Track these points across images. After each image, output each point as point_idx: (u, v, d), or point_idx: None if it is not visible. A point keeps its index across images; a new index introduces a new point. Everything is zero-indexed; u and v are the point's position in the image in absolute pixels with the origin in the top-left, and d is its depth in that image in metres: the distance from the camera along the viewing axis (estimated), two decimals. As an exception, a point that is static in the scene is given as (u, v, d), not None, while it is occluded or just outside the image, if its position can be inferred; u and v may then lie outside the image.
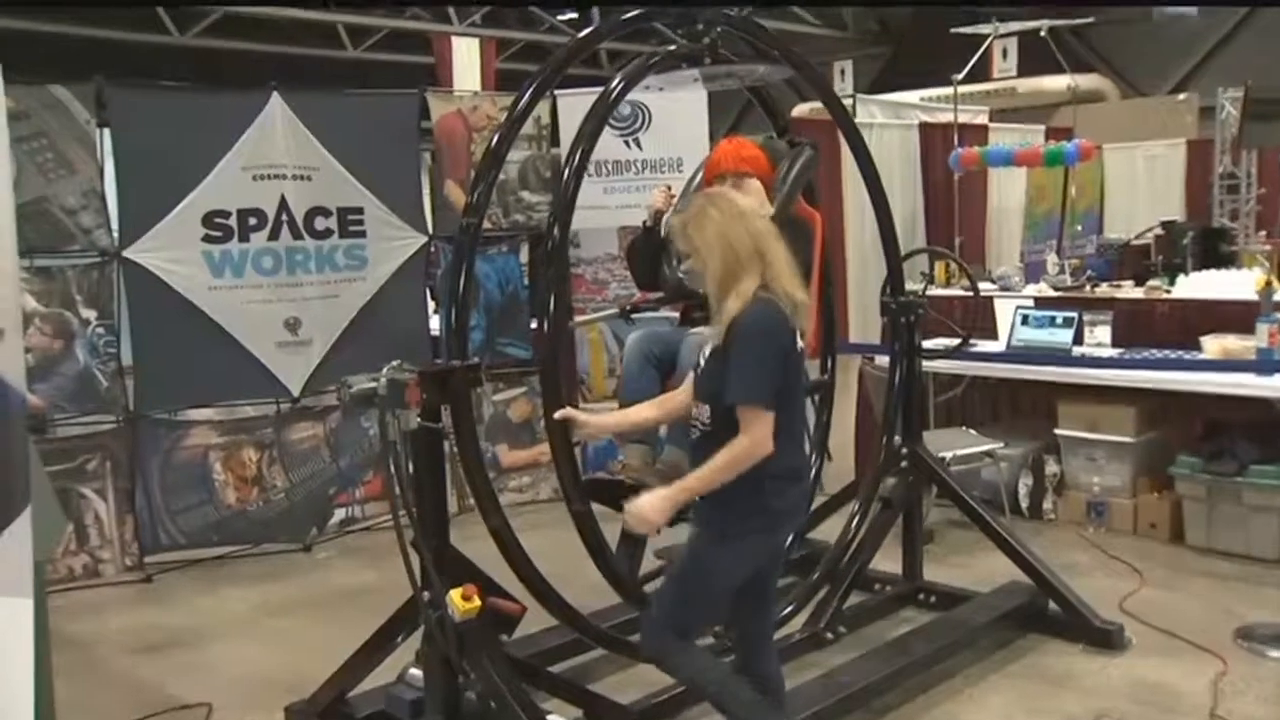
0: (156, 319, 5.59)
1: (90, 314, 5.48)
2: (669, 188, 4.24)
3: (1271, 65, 15.11)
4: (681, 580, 3.13)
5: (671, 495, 2.92)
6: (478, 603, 3.30)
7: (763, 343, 2.85)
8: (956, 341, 5.14)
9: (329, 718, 3.85)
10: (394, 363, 3.29)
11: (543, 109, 6.54)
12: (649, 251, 4.13)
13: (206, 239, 5.65)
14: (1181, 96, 16.11)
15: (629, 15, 4.10)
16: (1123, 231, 10.34)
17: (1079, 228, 10.45)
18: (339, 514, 6.23)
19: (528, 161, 6.57)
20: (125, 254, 5.52)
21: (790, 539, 3.33)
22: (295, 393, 5.93)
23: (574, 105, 6.63)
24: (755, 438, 2.82)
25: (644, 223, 4.15)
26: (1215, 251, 8.50)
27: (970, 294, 5.85)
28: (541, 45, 21.68)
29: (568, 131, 6.54)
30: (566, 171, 3.57)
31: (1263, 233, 10.85)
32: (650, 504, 2.92)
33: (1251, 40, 17.93)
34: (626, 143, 6.45)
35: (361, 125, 6.02)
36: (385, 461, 3.31)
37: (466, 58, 16.49)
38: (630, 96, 6.31)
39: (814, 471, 4.11)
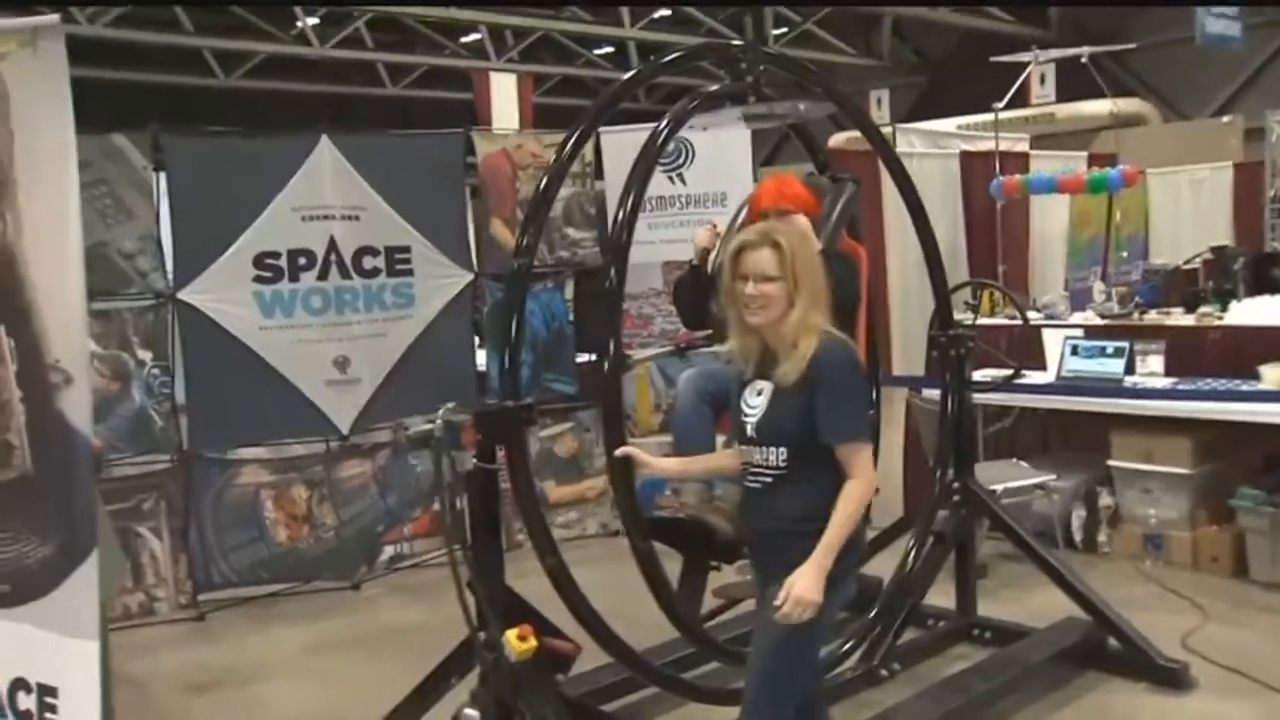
0: (209, 359, 5.66)
1: (146, 355, 5.57)
2: (714, 225, 4.22)
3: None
4: (787, 643, 2.87)
5: (819, 565, 2.74)
6: (534, 643, 3.30)
7: (855, 376, 2.85)
8: (1007, 373, 5.09)
9: (382, 758, 3.85)
10: (449, 404, 3.30)
11: (586, 146, 6.58)
12: (696, 290, 4.09)
13: (258, 279, 5.73)
14: (1226, 119, 15.99)
15: (670, 58, 4.12)
16: (1169, 257, 10.24)
17: (1125, 254, 10.35)
18: (387, 551, 6.25)
19: (572, 198, 6.62)
20: (179, 296, 5.61)
21: None
22: (345, 431, 5.98)
23: (617, 142, 6.69)
24: (867, 476, 2.80)
25: (690, 262, 4.14)
26: (1268, 277, 8.41)
27: (1018, 324, 5.83)
28: (578, 79, 21.97)
29: (611, 167, 6.61)
30: (621, 213, 3.56)
31: (1311, 257, 10.67)
32: (805, 585, 2.72)
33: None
34: (670, 178, 6.49)
35: (408, 165, 6.10)
36: (441, 503, 3.33)
37: (505, 93, 16.70)
38: (674, 133, 6.44)
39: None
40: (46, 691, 3.19)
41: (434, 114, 16.17)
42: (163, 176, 5.62)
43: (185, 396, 5.69)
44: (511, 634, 3.31)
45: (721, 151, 6.42)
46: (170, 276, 5.62)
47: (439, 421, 3.24)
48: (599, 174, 6.69)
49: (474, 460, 3.29)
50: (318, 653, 5.22)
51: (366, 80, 20.77)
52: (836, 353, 2.83)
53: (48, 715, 3.20)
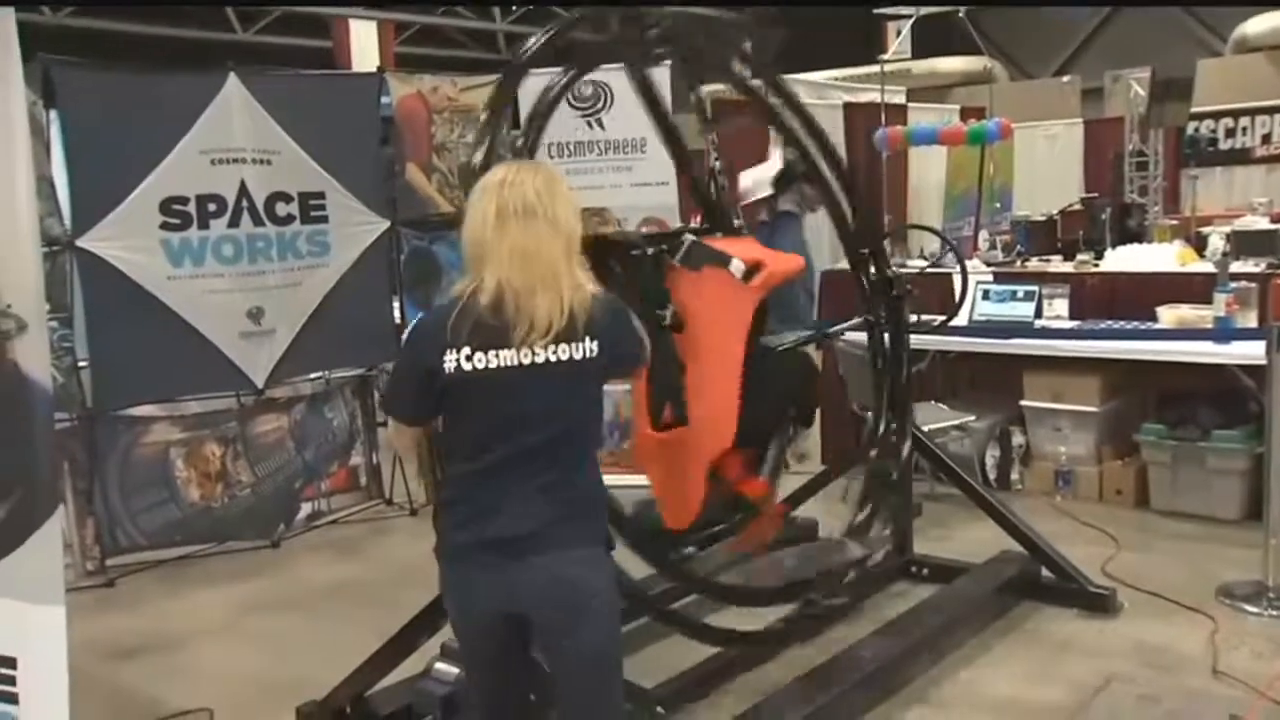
0: (113, 311, 5.31)
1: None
2: None
3: (1141, 49, 15.79)
4: None
5: None
6: None
7: (401, 352, 2.72)
8: (941, 317, 5.20)
9: (344, 718, 3.75)
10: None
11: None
12: None
13: (164, 226, 5.39)
14: (1066, 79, 16.75)
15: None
16: (1028, 208, 10.75)
17: (998, 204, 10.74)
18: (305, 508, 6.06)
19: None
20: (78, 243, 5.22)
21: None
22: (260, 384, 5.73)
23: (533, 87, 6.54)
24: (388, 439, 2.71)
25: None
26: (1128, 226, 8.93)
27: (933, 270, 5.99)
28: (437, 29, 21.37)
29: (527, 114, 6.45)
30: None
31: (1156, 207, 11.29)
32: None
33: (1125, 27, 18.70)
34: (589, 123, 6.37)
35: (321, 107, 5.85)
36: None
37: (365, 41, 16.16)
38: (592, 76, 6.33)
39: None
40: (4, 663, 2.99)
41: (290, 62, 15.47)
42: (53, 114, 5.22)
43: (87, 351, 5.33)
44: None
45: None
46: (68, 222, 5.23)
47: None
48: (515, 121, 6.52)
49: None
50: (247, 614, 5.02)
51: (213, 26, 19.69)
52: None
53: (4, 689, 3.00)
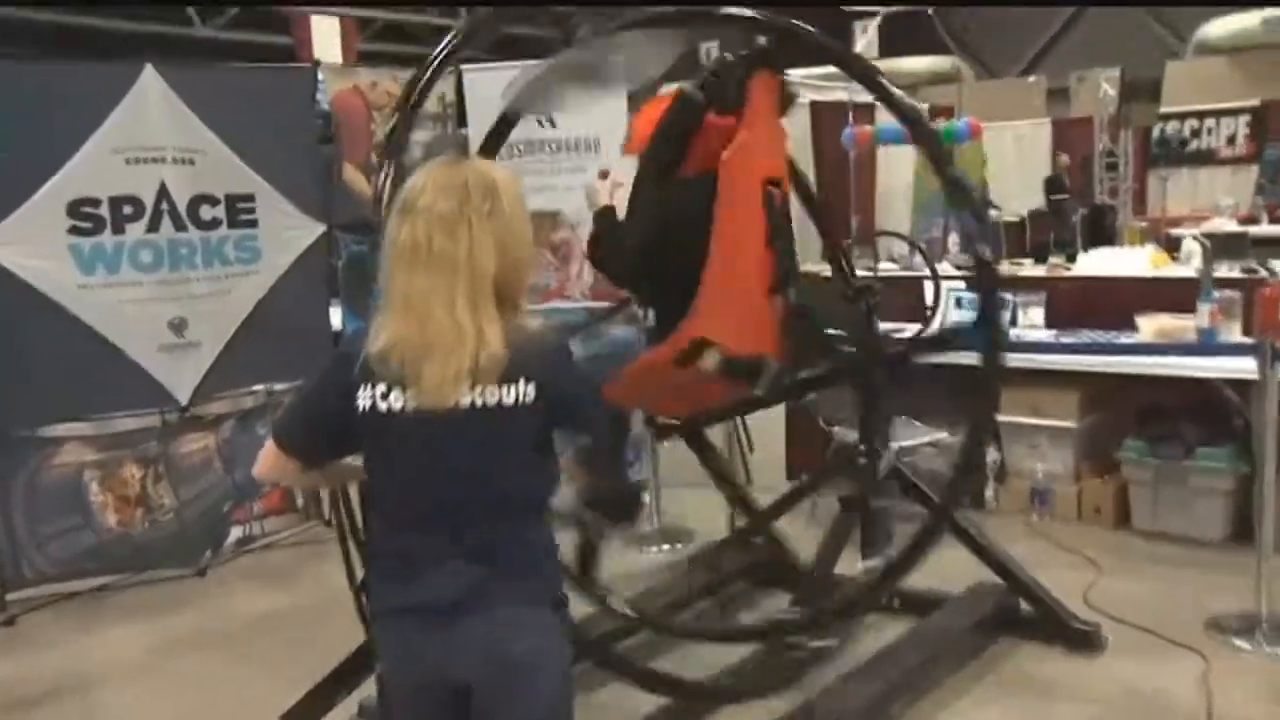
0: (16, 323, 4.89)
1: (-65, 318, 4.76)
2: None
3: (1105, 51, 15.67)
4: None
5: None
6: None
7: (315, 376, 2.21)
8: (915, 326, 4.88)
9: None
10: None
11: (447, 86, 6.07)
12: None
13: (73, 230, 4.98)
14: (1031, 79, 16.58)
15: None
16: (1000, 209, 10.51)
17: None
18: (235, 532, 5.64)
19: (434, 142, 6.09)
20: (-26, 248, 4.80)
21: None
22: (183, 401, 5.33)
23: (480, 81, 6.20)
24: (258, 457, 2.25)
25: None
26: (1101, 228, 8.71)
27: (909, 275, 5.69)
28: (401, 25, 20.89)
29: (474, 109, 6.11)
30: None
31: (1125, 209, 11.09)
32: None
33: (1089, 29, 18.58)
34: (539, 121, 6.00)
35: (250, 103, 5.42)
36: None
37: (327, 37, 15.68)
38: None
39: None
40: None
41: (253, 59, 14.91)
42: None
43: (-12, 366, 4.91)
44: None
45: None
46: (-40, 225, 4.81)
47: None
48: (462, 118, 6.17)
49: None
50: (167, 653, 4.61)
51: (172, 19, 19.06)
52: None
53: None
